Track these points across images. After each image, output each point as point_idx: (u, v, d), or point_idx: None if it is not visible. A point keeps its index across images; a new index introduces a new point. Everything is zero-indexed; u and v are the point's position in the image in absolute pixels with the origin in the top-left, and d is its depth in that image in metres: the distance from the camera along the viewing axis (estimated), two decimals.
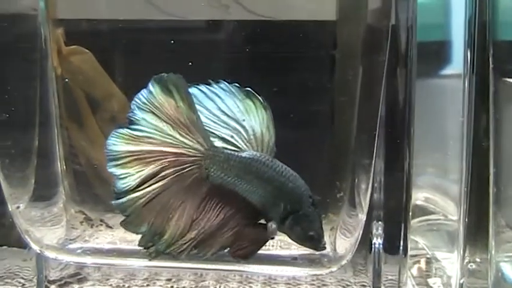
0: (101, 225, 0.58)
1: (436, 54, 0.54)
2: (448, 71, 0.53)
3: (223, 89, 0.49)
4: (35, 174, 0.56)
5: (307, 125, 0.56)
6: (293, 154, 0.53)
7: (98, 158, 0.58)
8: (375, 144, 0.50)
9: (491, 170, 0.47)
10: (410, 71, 0.49)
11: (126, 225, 0.49)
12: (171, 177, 0.48)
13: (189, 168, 0.48)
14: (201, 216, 0.49)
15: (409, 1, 0.48)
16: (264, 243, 0.50)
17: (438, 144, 0.54)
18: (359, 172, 0.52)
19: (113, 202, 0.48)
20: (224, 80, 0.48)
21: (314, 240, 0.49)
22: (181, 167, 0.48)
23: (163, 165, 0.48)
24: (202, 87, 0.49)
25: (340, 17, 0.55)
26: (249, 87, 0.48)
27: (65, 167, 0.57)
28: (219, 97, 0.49)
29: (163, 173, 0.48)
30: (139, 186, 0.48)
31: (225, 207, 0.49)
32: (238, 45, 0.56)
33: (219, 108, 0.48)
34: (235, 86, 0.48)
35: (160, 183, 0.48)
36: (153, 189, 0.48)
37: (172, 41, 0.55)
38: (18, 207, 0.55)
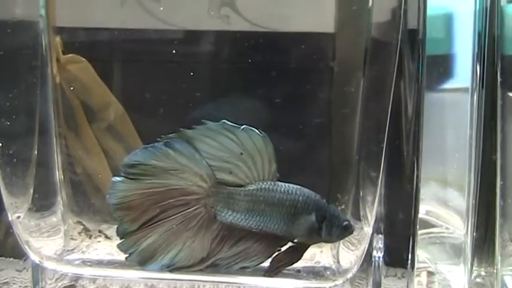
0: (100, 235, 0.57)
1: (441, 67, 0.55)
2: (452, 84, 0.54)
3: (214, 130, 0.48)
4: (34, 183, 0.55)
5: (305, 137, 0.56)
6: (291, 166, 0.53)
7: (94, 167, 0.58)
8: (383, 157, 0.50)
9: (498, 183, 0.47)
10: (420, 84, 0.49)
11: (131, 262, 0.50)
12: (175, 217, 0.48)
13: (194, 208, 0.48)
14: (213, 254, 0.49)
15: (419, 14, 0.48)
16: (297, 261, 0.50)
17: (441, 157, 0.55)
18: (365, 185, 0.52)
19: (117, 244, 0.49)
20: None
21: (349, 227, 0.50)
22: (185, 207, 0.48)
23: (166, 207, 0.48)
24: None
25: (339, 29, 0.55)
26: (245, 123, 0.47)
27: (62, 176, 0.57)
28: (211, 138, 0.48)
29: (166, 213, 0.48)
30: (141, 228, 0.49)
31: (241, 241, 0.49)
32: (237, 56, 0.56)
33: (214, 148, 0.48)
34: (227, 123, 0.47)
35: (165, 223, 0.48)
36: (157, 230, 0.49)
37: (173, 51, 0.55)
38: (18, 217, 0.54)
